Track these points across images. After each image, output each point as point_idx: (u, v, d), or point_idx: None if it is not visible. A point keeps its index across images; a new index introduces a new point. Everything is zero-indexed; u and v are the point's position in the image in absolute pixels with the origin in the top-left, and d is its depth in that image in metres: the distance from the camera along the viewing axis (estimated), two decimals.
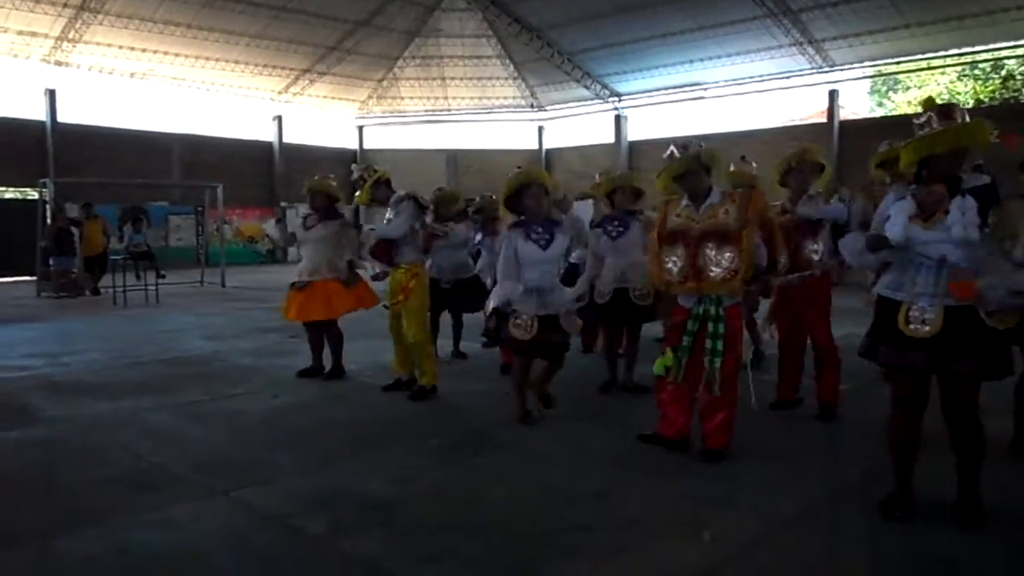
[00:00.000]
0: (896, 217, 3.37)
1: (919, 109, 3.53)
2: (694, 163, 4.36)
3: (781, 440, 4.82)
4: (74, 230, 15.70)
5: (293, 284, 6.74)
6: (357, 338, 7.25)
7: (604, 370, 6.25)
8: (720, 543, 3.29)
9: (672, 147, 4.48)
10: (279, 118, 27.30)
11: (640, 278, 5.71)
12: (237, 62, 23.44)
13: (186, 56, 22.50)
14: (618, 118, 26.32)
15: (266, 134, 27.54)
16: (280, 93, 26.08)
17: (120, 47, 21.35)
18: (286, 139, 27.62)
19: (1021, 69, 27.59)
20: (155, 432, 5.21)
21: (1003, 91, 27.72)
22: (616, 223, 6.02)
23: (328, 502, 3.84)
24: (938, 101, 3.51)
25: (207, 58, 22.88)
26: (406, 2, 23.08)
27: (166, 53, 22.10)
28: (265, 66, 24.07)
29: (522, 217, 5.11)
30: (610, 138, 26.58)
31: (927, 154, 3.34)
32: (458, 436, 5.05)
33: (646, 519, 3.58)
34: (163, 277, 14.65)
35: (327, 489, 4.04)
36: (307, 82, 25.84)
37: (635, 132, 26.55)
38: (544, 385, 5.34)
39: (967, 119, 3.33)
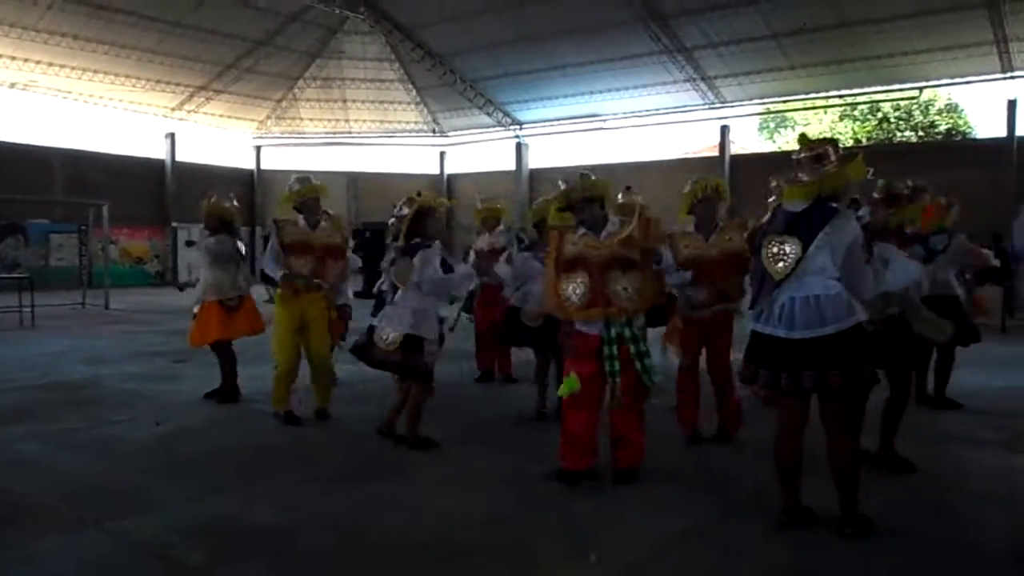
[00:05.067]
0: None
1: (796, 146, 3.79)
2: (584, 192, 4.51)
3: (673, 461, 4.91)
4: None
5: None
6: (245, 363, 7.02)
7: (513, 396, 6.26)
8: (609, 564, 3.31)
9: (561, 181, 4.62)
10: (172, 136, 26.43)
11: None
12: (128, 76, 22.63)
13: (72, 68, 21.58)
14: (519, 146, 26.70)
15: (158, 152, 26.59)
16: (174, 110, 25.29)
17: (0, 56, 20.31)
18: (179, 157, 26.73)
19: (896, 113, 29.49)
20: (23, 461, 4.89)
21: (879, 132, 29.52)
22: (534, 251, 6.05)
23: (210, 532, 3.68)
24: (816, 136, 3.80)
25: (95, 71, 22.00)
26: (307, 23, 22.83)
27: (50, 64, 21.14)
28: (158, 82, 23.32)
29: (416, 240, 5.10)
30: (511, 165, 26.91)
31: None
32: (351, 462, 4.94)
33: (537, 542, 3.58)
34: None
35: (210, 519, 3.86)
36: (203, 100, 25.15)
37: (536, 160, 27.01)
38: (413, 422, 5.19)
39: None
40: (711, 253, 5.26)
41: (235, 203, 6.81)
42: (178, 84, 23.92)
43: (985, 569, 3.34)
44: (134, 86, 23.13)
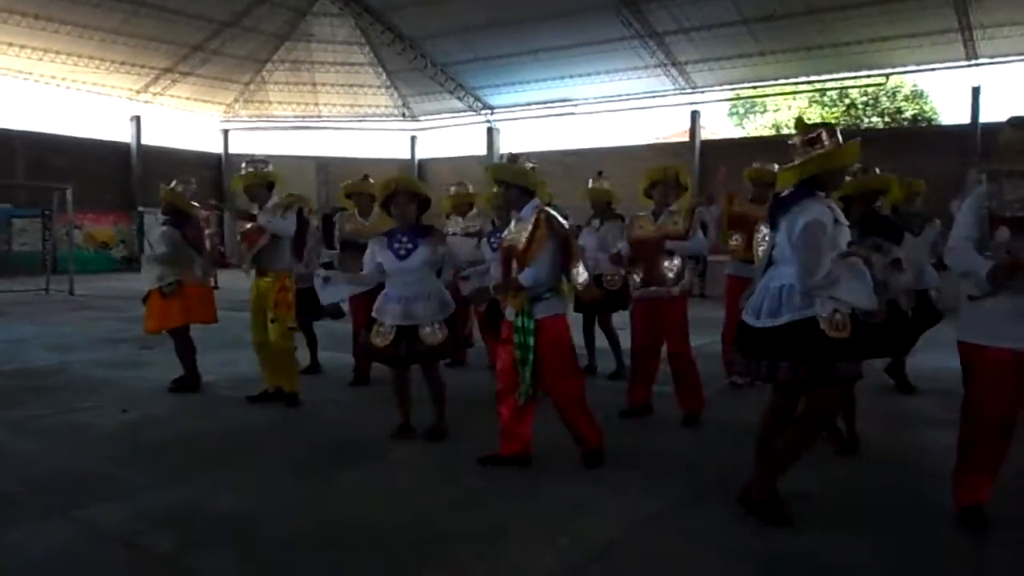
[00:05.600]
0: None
1: (792, 129, 3.76)
2: (503, 175, 4.49)
3: (642, 446, 4.97)
4: None
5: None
6: (215, 348, 6.97)
7: (470, 380, 6.28)
8: (578, 547, 3.35)
9: (529, 163, 4.59)
10: (137, 119, 26.00)
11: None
12: (91, 58, 22.21)
13: (33, 49, 21.12)
14: (490, 130, 26.63)
15: (123, 135, 26.15)
16: (139, 92, 24.86)
17: None
18: (145, 141, 26.31)
19: (863, 98, 29.80)
20: None
21: (847, 117, 29.84)
22: (501, 235, 6.02)
23: (178, 519, 3.66)
24: (805, 120, 3.77)
25: (57, 52, 21.54)
26: (275, 4, 22.54)
27: (10, 45, 20.70)
28: (122, 63, 22.90)
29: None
30: (483, 150, 26.83)
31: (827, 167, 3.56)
32: (319, 448, 4.92)
33: (508, 526, 3.60)
34: None
35: (178, 505, 3.84)
36: (168, 82, 24.76)
37: (507, 145, 26.93)
38: (439, 411, 5.16)
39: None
40: (653, 236, 5.46)
41: (194, 187, 6.77)
42: (143, 66, 23.50)
43: (938, 546, 3.42)
44: (98, 68, 22.70)
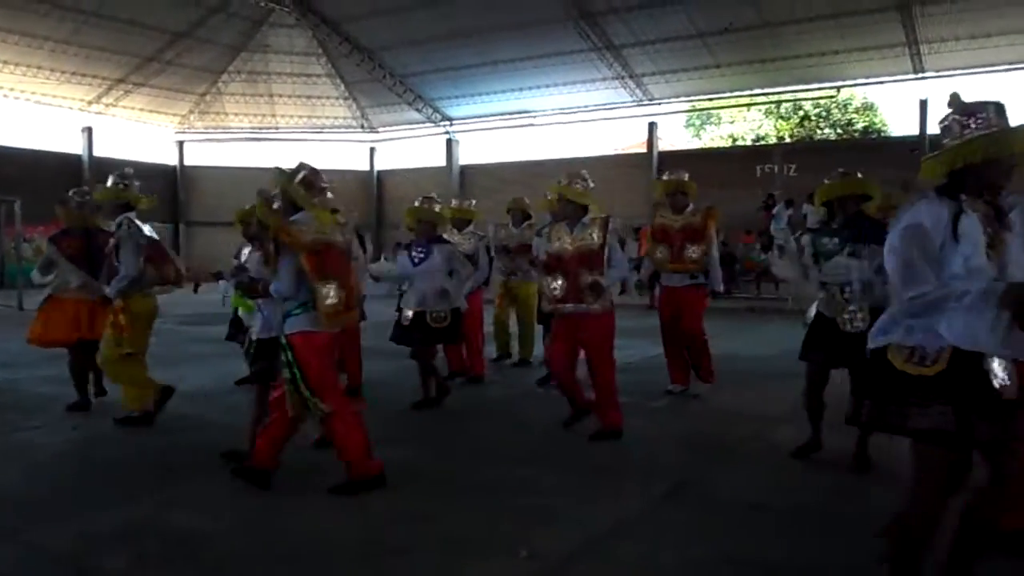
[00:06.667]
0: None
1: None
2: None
3: (595, 458, 4.97)
4: None
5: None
6: (165, 364, 6.83)
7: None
8: (539, 558, 3.33)
9: None
10: (89, 130, 25.49)
11: (439, 303, 6.16)
12: (40, 68, 21.75)
13: None
14: (449, 142, 26.62)
15: (74, 146, 25.62)
16: (91, 103, 24.41)
17: None
18: (97, 152, 25.79)
19: (816, 110, 30.41)
20: None
21: (801, 129, 30.41)
22: (420, 249, 6.27)
23: (128, 539, 3.56)
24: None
25: (4, 62, 21.13)
26: (231, 15, 22.31)
27: None
28: (73, 74, 22.47)
29: None
30: (442, 161, 26.80)
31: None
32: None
33: (467, 538, 3.57)
34: None
35: (129, 524, 3.74)
36: (121, 93, 24.34)
37: (466, 156, 26.95)
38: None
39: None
40: (568, 250, 5.36)
41: (89, 197, 6.52)
42: (95, 76, 23.08)
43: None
44: (48, 78, 22.24)
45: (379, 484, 4.19)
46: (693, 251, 6.59)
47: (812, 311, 4.80)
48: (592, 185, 5.52)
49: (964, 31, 17.40)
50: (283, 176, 4.34)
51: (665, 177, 6.95)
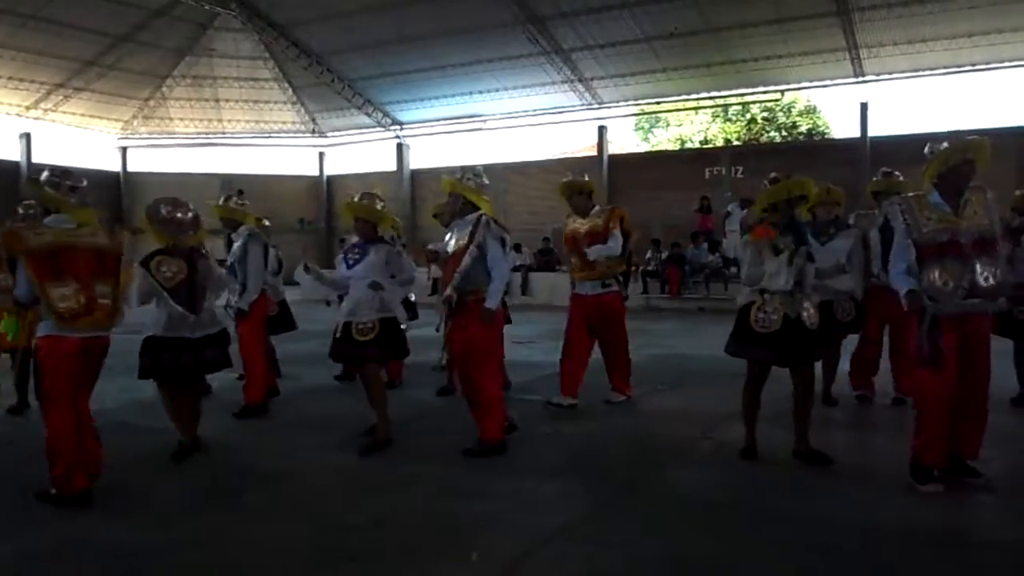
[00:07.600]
0: None
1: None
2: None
3: (546, 459, 4.99)
4: None
5: None
6: (118, 374, 6.64)
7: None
8: (490, 561, 3.33)
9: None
10: (27, 136, 24.77)
11: (366, 312, 5.24)
12: None
13: None
14: (400, 146, 26.46)
15: (12, 153, 24.88)
16: (28, 109, 23.70)
17: None
18: (36, 159, 25.04)
19: (762, 113, 30.95)
20: None
21: (748, 132, 30.92)
22: (356, 250, 5.51)
23: (70, 555, 3.47)
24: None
25: None
26: (174, 18, 21.85)
27: None
28: (10, 79, 21.81)
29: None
30: (392, 166, 26.64)
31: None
32: (220, 475, 4.76)
33: (419, 544, 3.56)
34: None
35: (66, 541, 3.65)
36: (60, 98, 23.67)
37: (417, 161, 26.83)
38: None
39: None
40: (454, 249, 5.13)
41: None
42: (32, 81, 22.44)
43: (845, 542, 3.54)
44: None
45: (83, 502, 4.11)
46: None
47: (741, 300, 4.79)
48: (487, 182, 5.26)
49: (901, 36, 17.86)
50: (32, 184, 4.43)
51: (567, 179, 6.55)
